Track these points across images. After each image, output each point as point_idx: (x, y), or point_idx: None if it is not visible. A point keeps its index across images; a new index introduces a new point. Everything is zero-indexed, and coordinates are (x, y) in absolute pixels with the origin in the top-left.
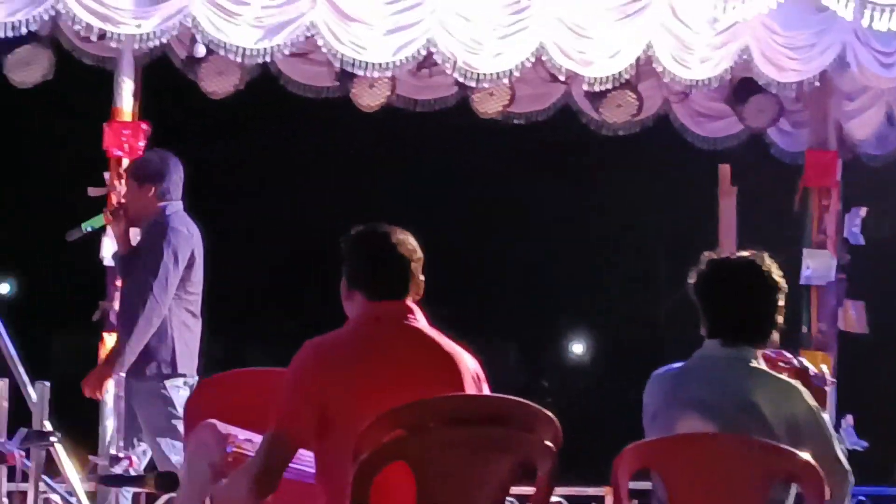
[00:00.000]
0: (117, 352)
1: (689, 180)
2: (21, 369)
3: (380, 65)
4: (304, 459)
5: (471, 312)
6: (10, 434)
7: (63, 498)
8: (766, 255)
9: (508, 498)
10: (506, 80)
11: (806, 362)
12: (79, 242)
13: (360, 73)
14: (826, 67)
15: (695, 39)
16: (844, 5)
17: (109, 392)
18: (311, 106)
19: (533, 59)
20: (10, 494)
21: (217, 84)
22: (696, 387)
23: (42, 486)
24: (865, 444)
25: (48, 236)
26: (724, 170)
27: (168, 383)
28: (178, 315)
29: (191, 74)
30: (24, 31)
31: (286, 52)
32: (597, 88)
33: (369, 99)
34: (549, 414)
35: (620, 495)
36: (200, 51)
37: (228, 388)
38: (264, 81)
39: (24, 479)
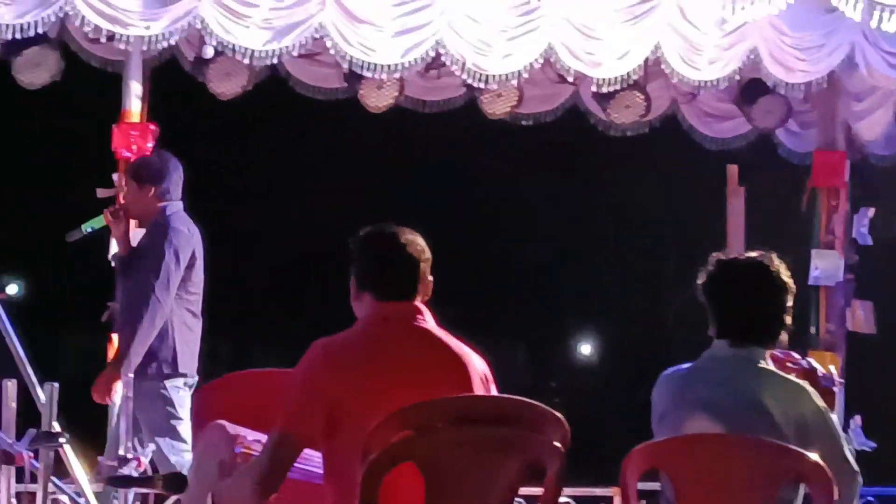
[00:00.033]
0: (122, 354)
1: (697, 181)
2: (30, 370)
3: (388, 66)
4: (313, 460)
5: (478, 313)
6: (19, 435)
7: (72, 499)
8: (774, 256)
9: (517, 498)
10: (514, 82)
11: (814, 363)
12: (79, 243)
13: (369, 74)
14: (834, 68)
15: (703, 40)
16: (853, 6)
17: (118, 393)
18: (318, 107)
19: (541, 61)
20: (18, 495)
21: (225, 85)
22: (704, 387)
23: (51, 487)
24: (874, 444)
25: (56, 237)
26: (732, 170)
27: (168, 383)
28: (179, 315)
29: (199, 76)
30: (31, 32)
31: (294, 53)
32: (605, 89)
33: (377, 100)
34: (558, 414)
35: (629, 496)
36: (209, 52)
37: (236, 389)
38: (272, 82)
39: (33, 480)
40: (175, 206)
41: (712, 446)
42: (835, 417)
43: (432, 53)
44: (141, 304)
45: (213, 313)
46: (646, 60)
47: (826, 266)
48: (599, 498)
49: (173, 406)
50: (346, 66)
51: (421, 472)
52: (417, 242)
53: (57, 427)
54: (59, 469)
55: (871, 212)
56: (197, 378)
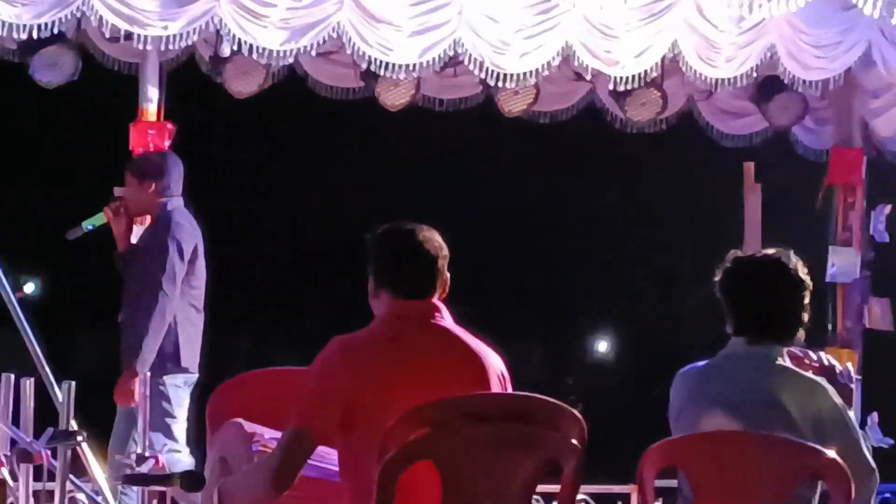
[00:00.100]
0: (134, 352)
1: (714, 178)
2: (47, 369)
3: (407, 66)
4: (329, 458)
5: (495, 310)
6: (37, 434)
7: (89, 497)
8: (791, 253)
9: (534, 496)
10: (532, 80)
11: (831, 360)
12: (94, 241)
13: (388, 74)
14: (851, 65)
15: (720, 38)
16: (871, 4)
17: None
18: (334, 105)
19: (560, 59)
20: (36, 494)
21: (242, 84)
22: (721, 385)
23: (68, 486)
24: (891, 441)
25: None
26: (749, 167)
27: (168, 380)
28: (182, 310)
29: (216, 74)
30: (48, 33)
31: (313, 53)
32: (621, 87)
33: (394, 98)
34: (575, 412)
35: (646, 493)
36: (226, 50)
37: (252, 388)
38: (287, 81)
39: (51, 478)
40: (176, 202)
41: (729, 443)
42: (852, 414)
43: (450, 53)
44: (149, 300)
45: (226, 311)
46: (662, 58)
47: (843, 263)
48: (617, 495)
49: (169, 403)
50: (364, 65)
51: (438, 470)
52: (435, 239)
53: (74, 425)
54: (77, 467)
55: (888, 208)
56: (198, 375)
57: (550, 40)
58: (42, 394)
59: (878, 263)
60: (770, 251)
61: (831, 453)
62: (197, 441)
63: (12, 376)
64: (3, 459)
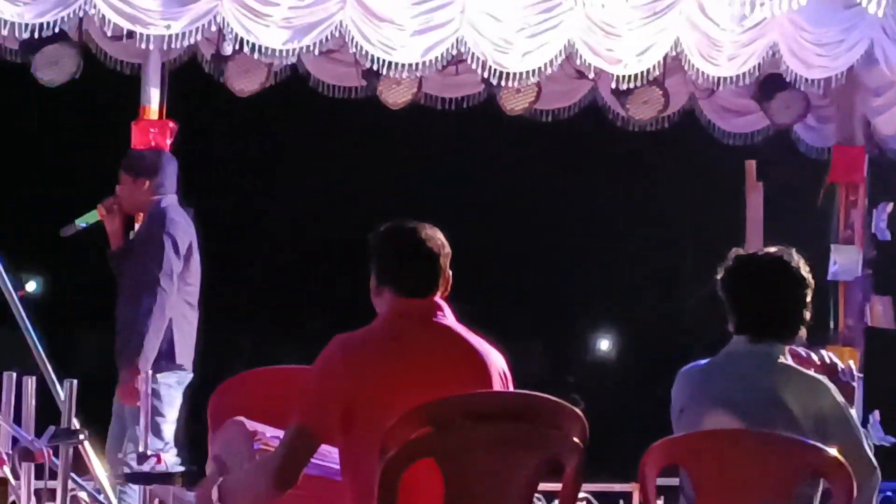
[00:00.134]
0: (136, 350)
1: (716, 176)
2: (49, 367)
3: (410, 65)
4: (331, 456)
5: (495, 309)
6: (39, 432)
7: (91, 495)
8: (793, 251)
9: (536, 494)
10: (535, 79)
11: (834, 358)
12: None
13: (391, 74)
14: (853, 64)
15: (723, 36)
16: (877, 2)
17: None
18: (336, 103)
19: (562, 58)
20: (38, 492)
21: (244, 82)
22: (723, 383)
23: (70, 484)
24: (893, 439)
25: (75, 235)
26: (751, 165)
27: (161, 378)
28: (177, 306)
29: (217, 73)
30: (50, 32)
31: (315, 52)
32: (624, 86)
33: (395, 97)
34: (576, 410)
35: (648, 492)
36: (228, 48)
37: (254, 386)
38: (290, 80)
39: (53, 476)
40: (170, 199)
41: (731, 442)
42: (854, 412)
43: (453, 52)
44: (148, 297)
45: (228, 310)
46: (664, 56)
47: (845, 261)
48: (618, 494)
49: (160, 401)
50: (367, 65)
51: (439, 469)
52: (437, 237)
53: (76, 424)
54: (79, 466)
55: (890, 207)
56: (191, 375)
57: (553, 39)
58: (44, 392)
59: (879, 262)
60: (772, 249)
61: (833, 452)
62: (186, 441)
63: (14, 375)
64: (5, 458)
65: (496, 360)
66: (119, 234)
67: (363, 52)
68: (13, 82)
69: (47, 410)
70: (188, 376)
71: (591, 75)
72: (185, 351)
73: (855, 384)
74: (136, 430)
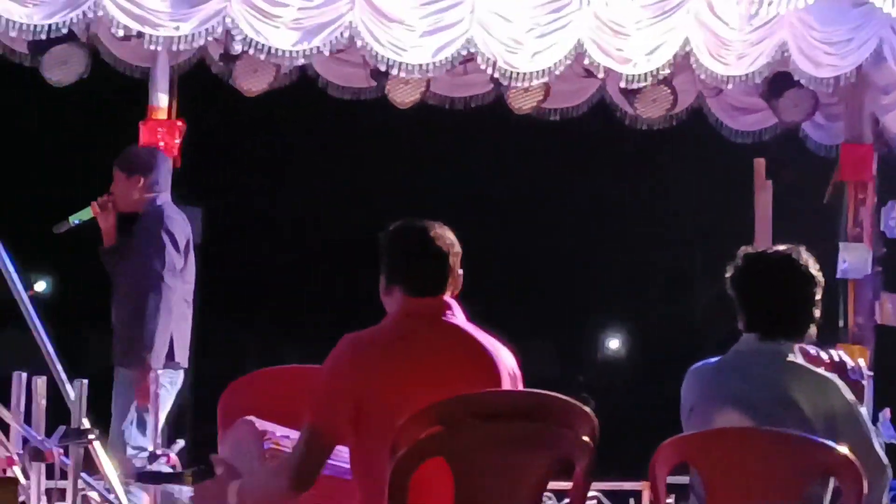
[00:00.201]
0: (146, 348)
1: (724, 174)
2: (59, 367)
3: (420, 66)
4: (342, 456)
5: (505, 308)
6: (49, 432)
7: (101, 495)
8: (802, 249)
9: (546, 493)
10: (545, 79)
11: (844, 356)
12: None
13: (401, 74)
14: (862, 62)
15: (732, 35)
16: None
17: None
18: (345, 103)
19: (572, 58)
20: (49, 492)
21: (252, 82)
22: (733, 381)
23: (80, 484)
24: None
25: (83, 234)
26: (760, 164)
27: (153, 376)
28: (176, 304)
29: (226, 73)
30: (59, 33)
31: (326, 53)
32: (632, 84)
33: (403, 96)
34: (587, 409)
35: (658, 490)
36: (236, 47)
37: (264, 386)
38: (298, 80)
39: (63, 476)
40: (164, 197)
41: (741, 440)
42: (864, 411)
43: (463, 52)
44: (153, 295)
45: (236, 309)
46: (674, 55)
47: (854, 259)
48: (629, 492)
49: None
50: (377, 65)
51: (450, 468)
52: (447, 236)
53: (86, 424)
54: (89, 465)
55: None
56: (183, 377)
57: (562, 39)
58: (54, 392)
59: (889, 259)
60: (781, 247)
61: (843, 450)
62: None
63: (24, 375)
64: (16, 458)
65: (506, 359)
66: (112, 231)
67: (373, 53)
68: (22, 83)
69: (57, 410)
70: (181, 376)
71: (601, 75)
72: (182, 348)
73: (865, 382)
74: (129, 429)
